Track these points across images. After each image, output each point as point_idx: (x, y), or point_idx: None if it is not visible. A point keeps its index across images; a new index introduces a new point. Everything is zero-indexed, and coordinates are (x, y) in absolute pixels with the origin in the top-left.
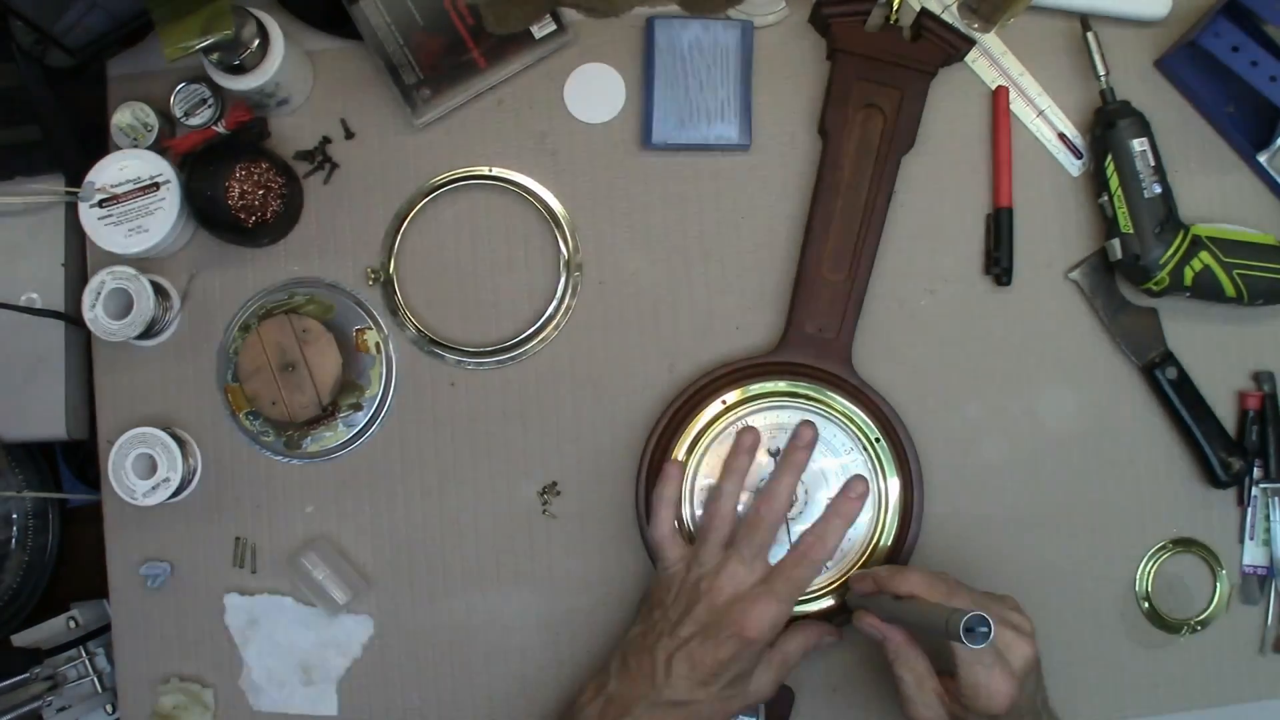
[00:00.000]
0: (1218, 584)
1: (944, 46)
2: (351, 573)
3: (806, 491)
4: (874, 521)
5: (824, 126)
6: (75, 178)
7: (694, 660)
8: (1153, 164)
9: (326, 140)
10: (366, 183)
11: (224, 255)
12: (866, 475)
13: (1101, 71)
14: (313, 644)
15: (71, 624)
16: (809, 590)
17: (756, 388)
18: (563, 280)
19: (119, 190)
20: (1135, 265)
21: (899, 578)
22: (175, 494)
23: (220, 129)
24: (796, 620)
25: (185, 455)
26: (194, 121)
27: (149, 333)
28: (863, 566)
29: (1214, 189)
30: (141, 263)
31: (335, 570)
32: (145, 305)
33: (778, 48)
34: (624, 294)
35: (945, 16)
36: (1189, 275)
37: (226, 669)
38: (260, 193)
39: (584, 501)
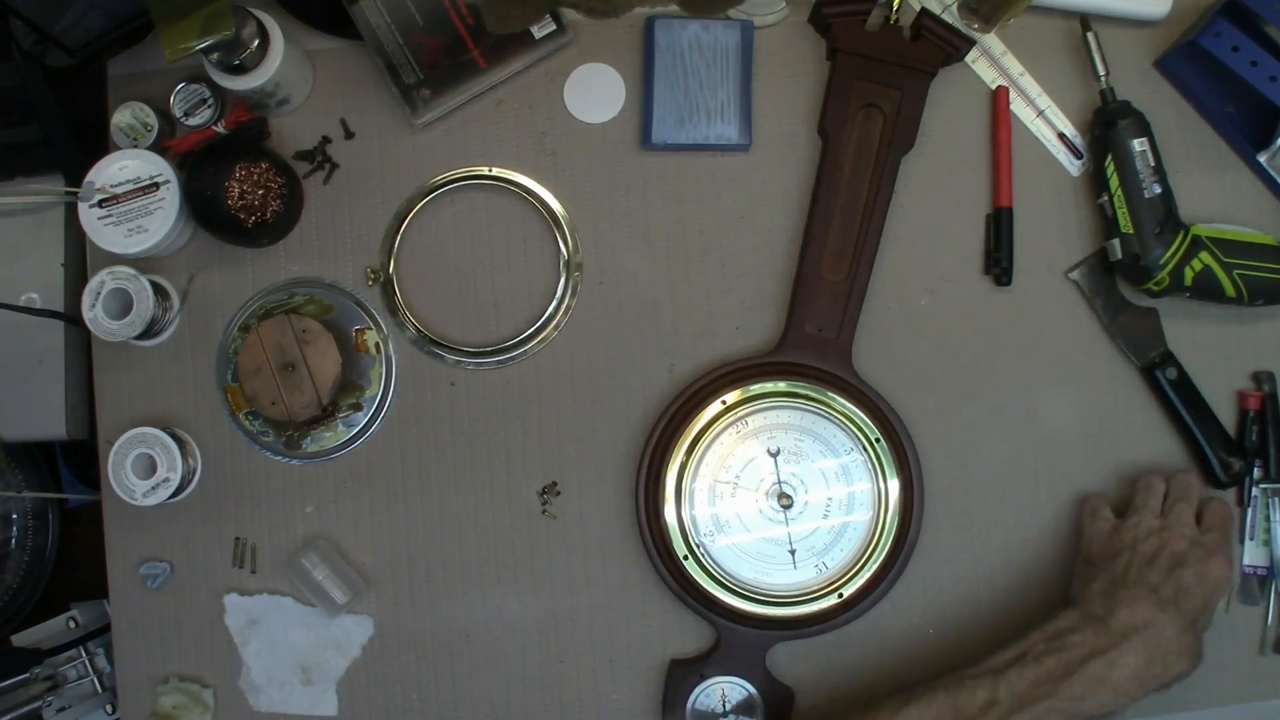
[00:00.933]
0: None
1: (944, 46)
2: (351, 573)
3: (807, 492)
4: (874, 521)
5: (824, 126)
6: (75, 178)
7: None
8: (1153, 164)
9: (326, 140)
10: (366, 183)
11: (224, 255)
12: (866, 475)
13: (1101, 71)
14: (313, 644)
15: (71, 624)
16: (809, 590)
17: (756, 388)
18: (563, 280)
19: (119, 190)
20: (1135, 265)
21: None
22: (175, 494)
23: (220, 129)
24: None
25: (185, 455)
26: (194, 121)
27: (149, 333)
28: (862, 566)
29: (1214, 189)
30: (141, 263)
31: (335, 570)
32: (145, 305)
33: (778, 48)
34: (624, 294)
35: (945, 16)
36: (1189, 275)
37: (226, 669)
38: (260, 193)
39: (584, 501)
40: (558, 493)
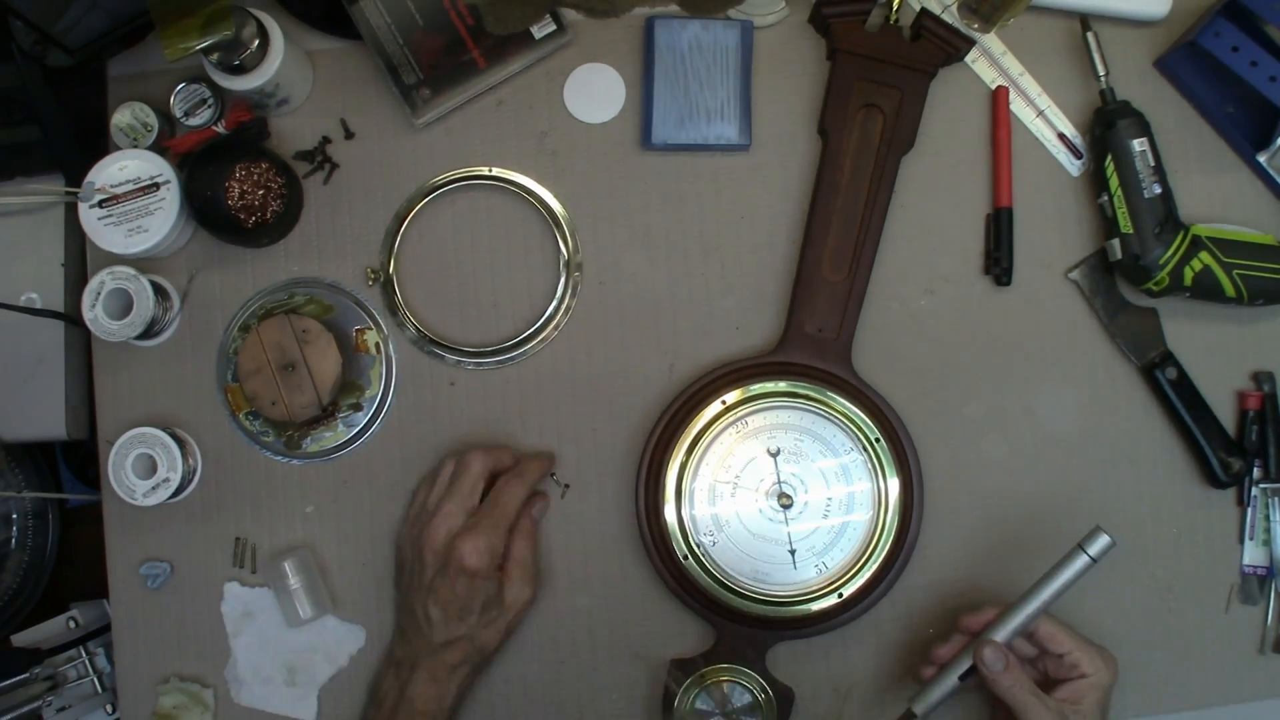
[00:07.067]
0: None
1: (944, 46)
2: (324, 591)
3: (807, 492)
4: (874, 521)
5: (824, 126)
6: (75, 178)
7: (441, 602)
8: (1153, 164)
9: (326, 140)
10: (366, 183)
11: (224, 255)
12: (866, 475)
13: (1101, 71)
14: (302, 646)
15: (71, 624)
16: (809, 590)
17: (756, 388)
18: (563, 280)
19: (119, 190)
20: (1135, 265)
21: (982, 613)
22: (175, 494)
23: (220, 129)
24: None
25: (185, 455)
26: (194, 121)
27: (149, 333)
28: (862, 566)
29: (1214, 189)
30: (141, 263)
31: (309, 583)
32: (145, 305)
33: (778, 48)
34: (624, 294)
35: (945, 16)
36: (1189, 275)
37: (225, 667)
38: (260, 193)
39: (584, 501)
40: (566, 485)
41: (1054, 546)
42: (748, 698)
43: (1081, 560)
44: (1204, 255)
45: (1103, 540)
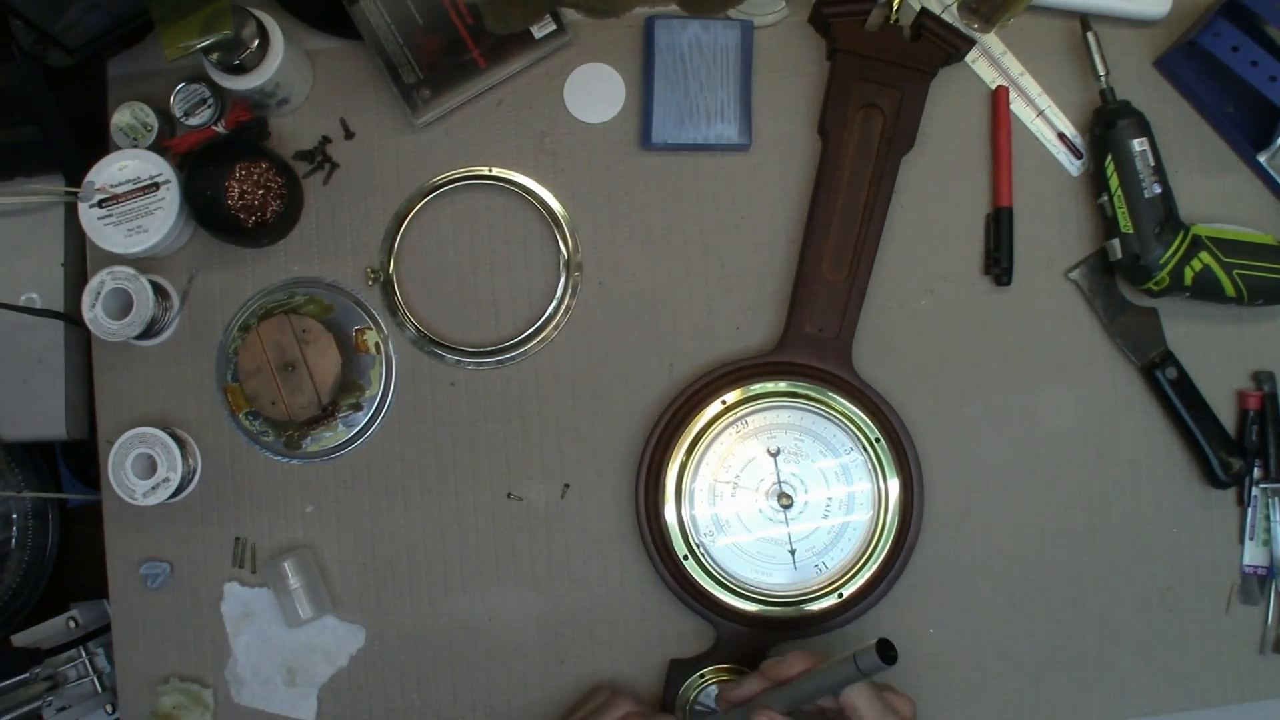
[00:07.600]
0: None
1: (944, 46)
2: (323, 591)
3: (807, 492)
4: (874, 521)
5: (824, 126)
6: (75, 178)
7: None
8: (1153, 164)
9: (326, 140)
10: (366, 183)
11: (224, 255)
12: (866, 475)
13: (1101, 71)
14: (302, 646)
15: (71, 624)
16: (809, 590)
17: (756, 388)
18: (563, 280)
19: (119, 190)
20: (1135, 265)
21: (784, 664)
22: (175, 494)
23: (220, 129)
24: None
25: (185, 455)
26: (194, 121)
27: (149, 333)
28: (862, 566)
29: (1214, 189)
30: (141, 263)
31: (309, 583)
32: (145, 305)
33: (778, 48)
34: (624, 294)
35: (945, 16)
36: (1189, 275)
37: (225, 667)
38: (260, 193)
39: (584, 502)
40: (567, 484)
41: (1054, 547)
42: None
43: (850, 669)
44: (1204, 255)
45: (871, 660)
